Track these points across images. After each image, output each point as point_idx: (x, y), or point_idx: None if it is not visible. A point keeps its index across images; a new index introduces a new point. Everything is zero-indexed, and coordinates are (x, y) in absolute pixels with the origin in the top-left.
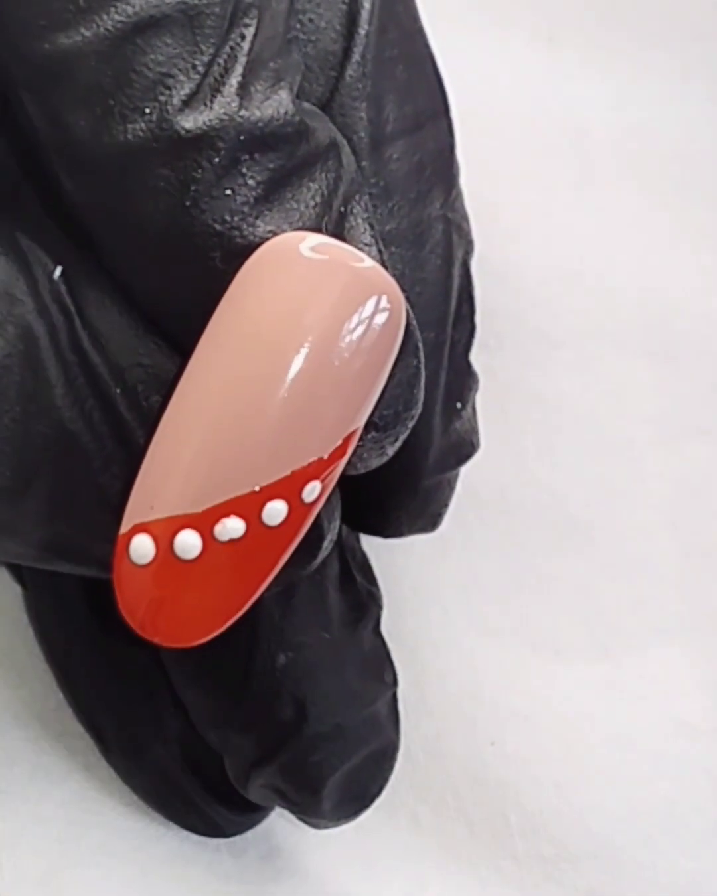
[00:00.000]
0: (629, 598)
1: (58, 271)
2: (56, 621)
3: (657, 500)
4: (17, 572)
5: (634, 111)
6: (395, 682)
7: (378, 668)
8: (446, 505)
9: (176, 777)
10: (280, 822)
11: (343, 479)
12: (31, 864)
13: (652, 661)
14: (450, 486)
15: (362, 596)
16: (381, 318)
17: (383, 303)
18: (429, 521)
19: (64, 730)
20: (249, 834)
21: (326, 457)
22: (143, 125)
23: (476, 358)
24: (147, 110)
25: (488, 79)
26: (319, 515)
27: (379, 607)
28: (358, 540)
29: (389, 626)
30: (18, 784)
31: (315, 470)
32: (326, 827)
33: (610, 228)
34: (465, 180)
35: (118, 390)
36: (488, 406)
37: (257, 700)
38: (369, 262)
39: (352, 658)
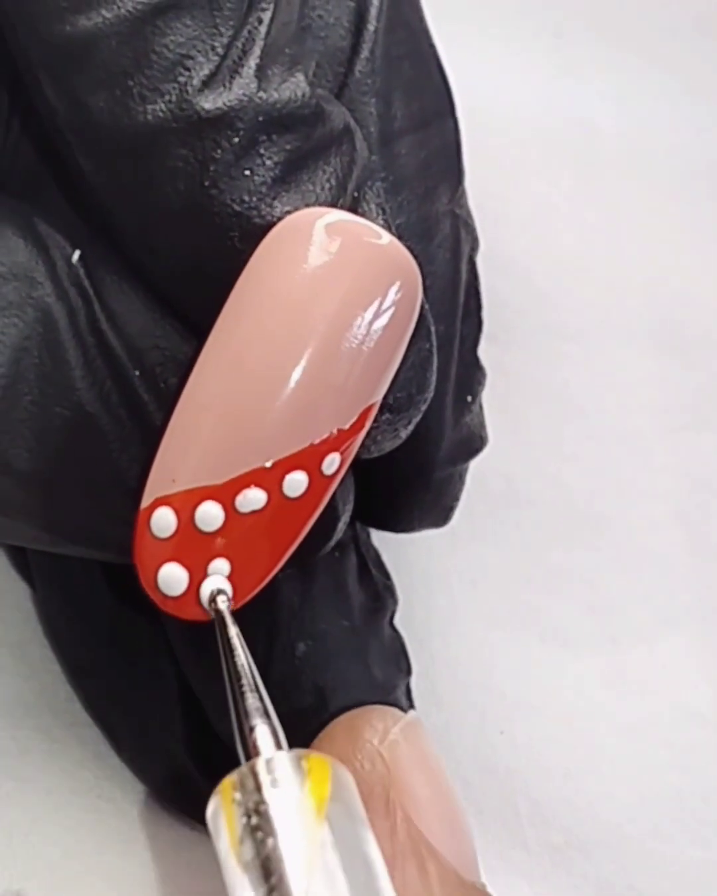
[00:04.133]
0: (636, 589)
1: (76, 255)
2: (64, 620)
3: (664, 491)
4: (26, 572)
5: (640, 106)
6: (409, 672)
7: (396, 658)
8: (456, 499)
9: (187, 770)
10: None
11: (357, 474)
12: (45, 852)
13: (660, 651)
14: (460, 480)
15: (379, 588)
16: (399, 292)
17: (401, 277)
18: (441, 515)
19: (75, 720)
20: None
21: (346, 428)
22: (162, 106)
23: (484, 351)
24: (167, 91)
25: (494, 74)
26: (334, 496)
27: (395, 600)
28: (369, 536)
29: (399, 616)
30: (31, 773)
31: (335, 442)
32: None
33: (617, 222)
34: (472, 175)
35: (136, 372)
36: (496, 399)
37: (276, 688)
38: (387, 238)
39: (373, 647)
